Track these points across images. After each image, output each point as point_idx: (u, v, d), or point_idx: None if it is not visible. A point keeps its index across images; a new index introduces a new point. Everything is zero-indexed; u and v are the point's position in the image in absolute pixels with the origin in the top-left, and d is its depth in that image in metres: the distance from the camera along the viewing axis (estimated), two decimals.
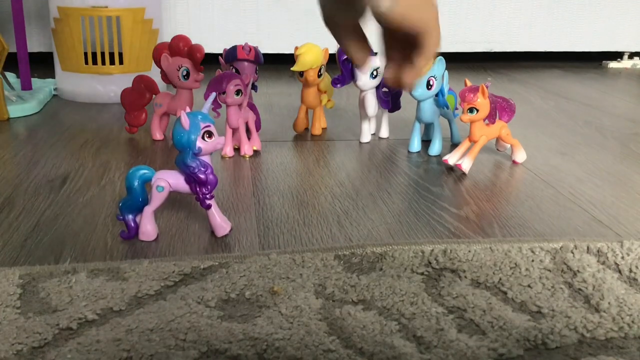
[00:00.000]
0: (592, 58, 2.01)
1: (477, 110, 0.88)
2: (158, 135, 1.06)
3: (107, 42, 1.30)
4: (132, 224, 0.68)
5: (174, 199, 0.78)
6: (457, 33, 1.81)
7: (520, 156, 0.97)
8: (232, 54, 1.04)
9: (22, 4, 1.31)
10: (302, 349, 0.48)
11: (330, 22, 0.66)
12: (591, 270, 0.61)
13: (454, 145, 1.06)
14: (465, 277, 0.60)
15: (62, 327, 0.50)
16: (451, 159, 0.92)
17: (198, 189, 0.66)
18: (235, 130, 0.98)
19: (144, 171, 0.67)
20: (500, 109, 0.92)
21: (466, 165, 0.90)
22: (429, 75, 0.95)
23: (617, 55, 2.01)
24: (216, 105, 0.94)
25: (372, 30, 0.58)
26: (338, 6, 0.61)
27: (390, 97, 1.06)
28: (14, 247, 0.66)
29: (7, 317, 0.52)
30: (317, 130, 1.11)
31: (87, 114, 1.24)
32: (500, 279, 0.60)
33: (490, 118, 0.90)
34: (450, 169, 0.94)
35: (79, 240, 0.68)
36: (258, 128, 1.03)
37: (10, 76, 1.33)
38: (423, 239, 0.69)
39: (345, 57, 1.01)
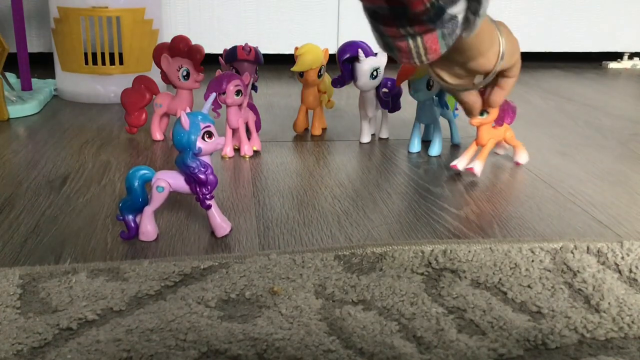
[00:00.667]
0: (592, 58, 2.01)
1: (487, 113, 0.87)
2: (158, 136, 1.06)
3: (107, 42, 1.30)
4: (132, 224, 0.68)
5: (174, 199, 0.78)
6: None
7: (523, 157, 0.97)
8: (232, 55, 1.04)
9: (22, 4, 1.31)
10: (302, 349, 0.48)
11: (450, 90, 0.77)
12: (591, 270, 0.61)
13: (454, 146, 1.06)
14: (465, 277, 0.60)
15: (62, 327, 0.50)
16: (460, 164, 0.91)
17: (198, 189, 0.66)
18: (235, 131, 0.98)
19: (144, 171, 0.67)
20: (503, 110, 0.92)
21: (478, 168, 0.89)
22: (429, 76, 0.95)
23: (617, 56, 2.01)
24: (216, 105, 0.94)
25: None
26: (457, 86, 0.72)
27: (390, 98, 1.06)
28: (14, 247, 0.66)
29: (7, 317, 0.52)
30: (317, 131, 1.11)
31: (87, 114, 1.24)
32: (500, 279, 0.60)
33: (498, 121, 0.90)
34: (450, 169, 0.94)
35: (79, 240, 0.68)
36: (258, 128, 1.03)
37: (10, 76, 1.33)
38: (423, 239, 0.69)
39: (346, 57, 1.01)
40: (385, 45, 0.58)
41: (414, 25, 0.55)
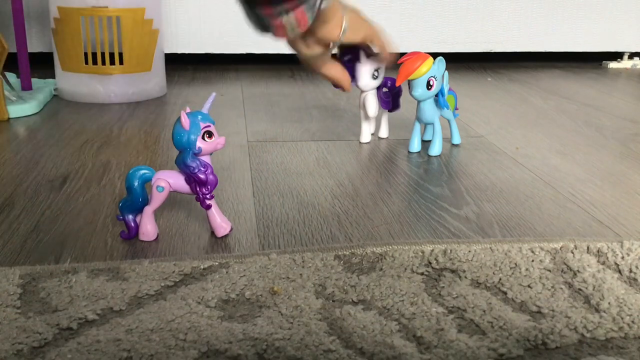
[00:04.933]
0: (592, 58, 2.01)
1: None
2: None
3: (107, 42, 1.30)
4: (132, 224, 0.68)
5: (174, 199, 0.78)
6: (457, 33, 1.81)
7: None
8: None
9: (22, 4, 1.31)
10: (302, 349, 0.48)
11: (305, 61, 0.88)
12: (591, 270, 0.61)
13: (454, 146, 1.06)
14: (465, 277, 0.60)
15: (62, 327, 0.50)
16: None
17: (198, 189, 0.66)
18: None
19: (144, 171, 0.67)
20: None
21: None
22: (429, 76, 0.95)
23: (617, 56, 2.01)
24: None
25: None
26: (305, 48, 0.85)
27: (390, 97, 1.06)
28: (14, 247, 0.66)
29: (7, 317, 0.52)
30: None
31: (87, 114, 1.24)
32: (500, 279, 0.60)
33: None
34: (451, 169, 0.94)
35: (79, 240, 0.68)
36: None
37: (10, 76, 1.33)
38: (423, 239, 0.69)
39: (347, 58, 1.01)
40: (262, 26, 0.73)
41: (286, 2, 0.69)
